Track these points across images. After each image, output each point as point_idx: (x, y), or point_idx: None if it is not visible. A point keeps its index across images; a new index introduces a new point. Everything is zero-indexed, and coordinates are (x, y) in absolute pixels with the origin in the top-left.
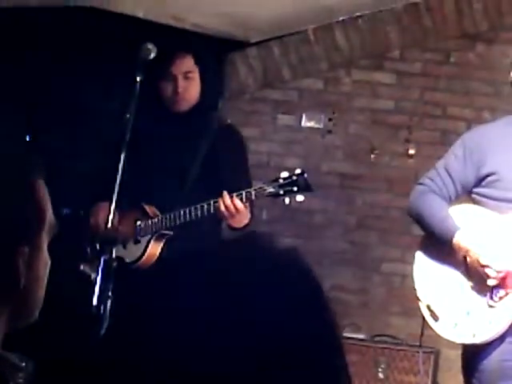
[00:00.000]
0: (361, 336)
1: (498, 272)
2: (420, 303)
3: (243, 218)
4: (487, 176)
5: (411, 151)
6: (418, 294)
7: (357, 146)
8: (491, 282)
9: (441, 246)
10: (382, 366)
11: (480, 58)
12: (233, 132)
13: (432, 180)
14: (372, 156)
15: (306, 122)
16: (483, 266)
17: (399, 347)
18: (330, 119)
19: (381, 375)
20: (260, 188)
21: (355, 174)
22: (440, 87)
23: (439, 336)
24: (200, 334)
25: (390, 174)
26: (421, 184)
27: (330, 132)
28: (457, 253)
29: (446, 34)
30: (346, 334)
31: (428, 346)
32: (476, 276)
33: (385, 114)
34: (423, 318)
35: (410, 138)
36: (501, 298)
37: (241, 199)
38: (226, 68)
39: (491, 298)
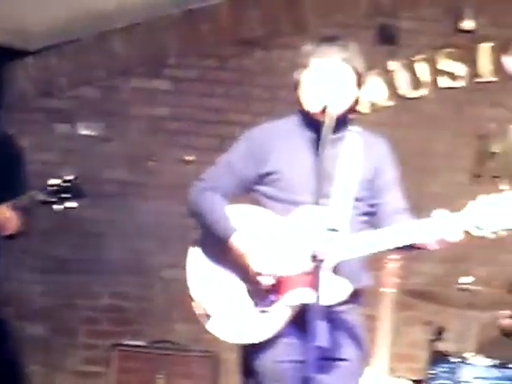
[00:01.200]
0: (140, 343)
1: (270, 277)
2: (193, 302)
3: (12, 226)
4: (268, 174)
5: (189, 157)
6: (192, 293)
7: (135, 154)
8: (264, 287)
9: (217, 245)
10: (163, 371)
11: (257, 64)
12: (11, 142)
13: (212, 176)
14: (150, 163)
15: (83, 131)
16: (256, 274)
17: (179, 353)
18: (107, 127)
19: (161, 381)
20: (30, 195)
21: (134, 182)
22: (217, 93)
23: (220, 340)
24: None
25: (168, 181)
26: (202, 180)
27: (108, 140)
28: (233, 253)
29: (223, 40)
30: (126, 342)
31: (208, 350)
32: (250, 279)
33: (163, 120)
34: (201, 323)
35: (188, 145)
36: (273, 303)
37: (12, 207)
38: (5, 78)
39: (265, 301)
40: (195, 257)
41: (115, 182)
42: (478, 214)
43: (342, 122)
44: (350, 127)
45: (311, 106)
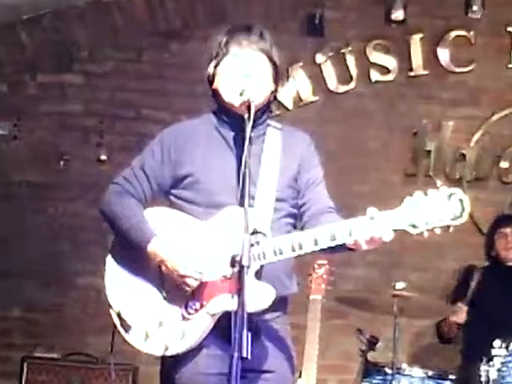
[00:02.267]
0: (53, 355)
1: (194, 282)
2: (111, 310)
3: None
4: (185, 177)
5: (103, 157)
6: (109, 301)
7: (45, 153)
8: (186, 293)
9: (134, 251)
10: None
11: (174, 57)
12: None
13: (127, 179)
14: (62, 163)
15: None
16: (182, 277)
17: (95, 365)
18: (15, 125)
19: None
20: None
21: (45, 183)
22: (133, 88)
23: (139, 352)
24: None
25: (81, 182)
26: (115, 183)
27: (15, 138)
28: (151, 260)
29: (138, 31)
30: (37, 354)
31: (126, 362)
32: (171, 286)
33: (74, 117)
34: (113, 336)
35: (101, 143)
36: (196, 311)
37: None
38: None
39: (186, 309)
40: (113, 264)
41: (24, 183)
42: (413, 211)
43: (260, 118)
44: (270, 123)
45: (231, 96)
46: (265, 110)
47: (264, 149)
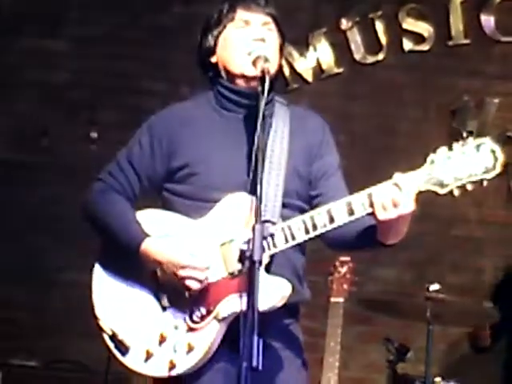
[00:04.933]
0: (33, 363)
1: (201, 282)
2: (103, 333)
3: None
4: (180, 169)
5: (94, 134)
6: (100, 322)
7: (26, 129)
8: (191, 296)
9: (125, 259)
10: None
11: (175, 21)
12: None
13: (113, 175)
14: (45, 140)
15: None
16: (183, 278)
17: (82, 375)
18: None
19: None
20: None
21: (24, 163)
22: (127, 56)
23: None
24: None
25: (67, 163)
26: (100, 180)
27: None
28: (145, 266)
29: None
30: (16, 362)
31: (118, 371)
32: (171, 293)
33: (61, 89)
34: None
35: (93, 119)
36: (203, 318)
37: None
38: None
39: (190, 318)
40: (101, 275)
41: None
42: (439, 168)
43: (269, 94)
44: (276, 99)
45: (241, 67)
46: (272, 86)
47: (273, 130)
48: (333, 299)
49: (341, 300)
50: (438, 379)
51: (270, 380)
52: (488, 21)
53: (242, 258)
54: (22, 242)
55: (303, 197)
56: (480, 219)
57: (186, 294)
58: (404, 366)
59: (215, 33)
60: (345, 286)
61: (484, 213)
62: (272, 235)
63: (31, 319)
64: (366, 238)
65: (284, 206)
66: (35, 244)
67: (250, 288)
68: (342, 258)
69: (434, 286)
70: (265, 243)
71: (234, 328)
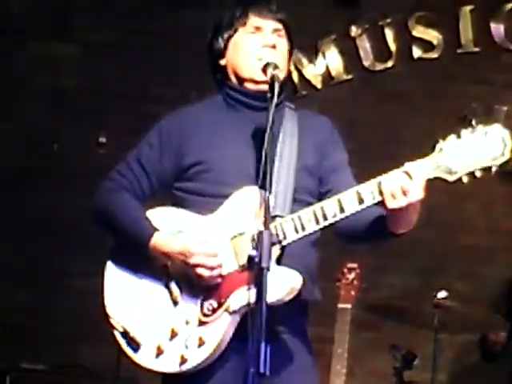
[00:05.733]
0: (40, 367)
1: (213, 269)
2: (115, 331)
3: None
4: (192, 166)
5: (102, 139)
6: (112, 319)
7: (35, 135)
8: (206, 285)
9: (136, 256)
10: None
11: (186, 26)
12: None
13: (122, 175)
14: (54, 146)
15: None
16: (193, 266)
17: (89, 380)
18: (1, 102)
19: None
20: None
21: (33, 169)
22: (137, 61)
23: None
24: None
25: (75, 169)
26: (109, 180)
27: (2, 118)
28: (156, 260)
29: None
30: (22, 366)
31: (126, 376)
32: (182, 286)
33: (69, 94)
34: (118, 358)
35: (100, 124)
36: (214, 311)
37: None
38: None
39: (202, 311)
40: (112, 273)
41: (10, 169)
42: (447, 155)
43: (278, 98)
44: (286, 105)
45: (251, 71)
46: (282, 91)
47: (282, 132)
48: (340, 305)
49: (348, 306)
50: None
51: (280, 380)
52: (498, 29)
53: (250, 263)
54: (33, 246)
55: (314, 193)
56: (488, 227)
57: (198, 283)
58: (410, 374)
59: (226, 36)
60: (352, 293)
61: (492, 220)
62: (277, 222)
63: (39, 323)
64: (377, 229)
65: (294, 201)
66: (46, 249)
67: (258, 295)
68: (350, 265)
69: (442, 294)
70: (274, 234)
71: (245, 326)
